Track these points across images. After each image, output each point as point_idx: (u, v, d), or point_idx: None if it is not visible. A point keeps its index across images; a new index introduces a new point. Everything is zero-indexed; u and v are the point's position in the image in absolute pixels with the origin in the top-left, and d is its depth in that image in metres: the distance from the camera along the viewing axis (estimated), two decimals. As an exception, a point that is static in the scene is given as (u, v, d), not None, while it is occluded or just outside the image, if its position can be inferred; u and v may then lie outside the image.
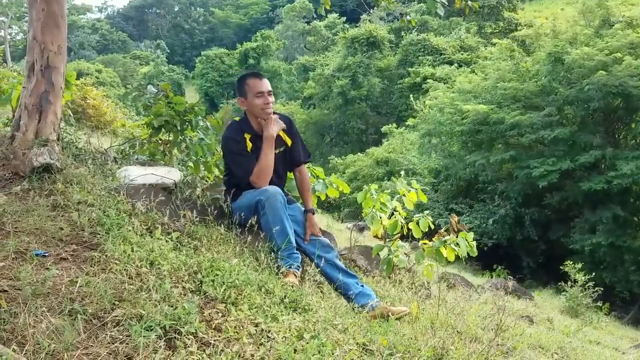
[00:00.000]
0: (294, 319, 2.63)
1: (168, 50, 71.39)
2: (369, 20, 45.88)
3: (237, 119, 4.04)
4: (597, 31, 18.42)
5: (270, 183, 3.79)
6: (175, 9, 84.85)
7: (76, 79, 5.71)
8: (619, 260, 15.54)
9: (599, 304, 9.84)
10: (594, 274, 10.48)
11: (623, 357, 5.94)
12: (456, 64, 31.63)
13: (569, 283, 9.66)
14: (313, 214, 3.93)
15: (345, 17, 57.06)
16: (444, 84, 24.02)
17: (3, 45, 36.84)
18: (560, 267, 10.68)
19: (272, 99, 3.86)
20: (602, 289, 9.76)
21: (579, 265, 10.02)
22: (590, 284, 9.39)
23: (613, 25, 18.19)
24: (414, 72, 33.35)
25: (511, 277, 11.15)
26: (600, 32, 18.18)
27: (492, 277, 12.14)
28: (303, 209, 3.96)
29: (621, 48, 16.37)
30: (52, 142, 4.01)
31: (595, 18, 19.78)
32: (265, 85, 3.86)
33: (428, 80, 26.72)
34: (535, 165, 16.05)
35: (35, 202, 3.31)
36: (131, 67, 57.62)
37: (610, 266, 15.61)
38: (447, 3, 6.15)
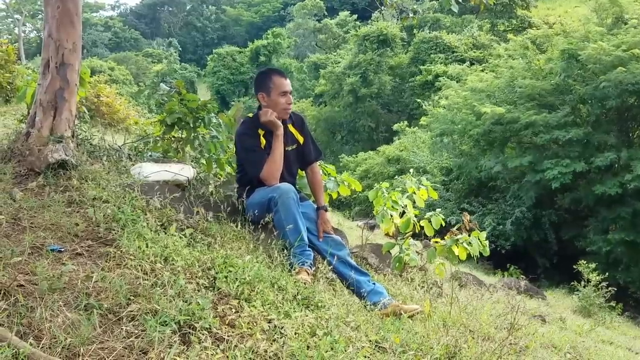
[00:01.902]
0: (307, 316, 2.64)
1: (180, 48, 71.60)
2: (382, 17, 45.74)
3: (250, 115, 4.06)
4: (610, 29, 18.21)
5: (283, 180, 3.80)
6: (187, 7, 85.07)
7: (90, 77, 5.76)
8: (633, 260, 15.38)
9: (612, 304, 9.76)
10: (607, 274, 10.38)
11: (636, 357, 5.90)
12: (468, 62, 31.44)
13: (582, 283, 9.60)
14: (326, 211, 3.94)
15: (356, 15, 56.91)
16: (457, 82, 23.88)
17: (17, 43, 37.14)
18: (574, 266, 10.60)
19: (291, 98, 3.90)
20: (615, 288, 9.68)
21: (593, 265, 9.94)
22: (604, 283, 9.32)
23: (626, 23, 17.97)
24: (426, 70, 33.20)
25: (523, 277, 11.09)
26: (613, 30, 17.97)
27: (504, 277, 12.07)
28: (315, 206, 3.98)
29: (637, 45, 16.14)
30: (67, 138, 4.06)
31: (607, 16, 19.57)
32: (289, 84, 3.90)
33: (440, 78, 26.56)
34: (549, 167, 15.87)
35: (51, 197, 3.35)
36: (144, 65, 57.88)
37: (624, 266, 15.45)
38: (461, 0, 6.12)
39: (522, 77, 18.41)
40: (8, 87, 10.96)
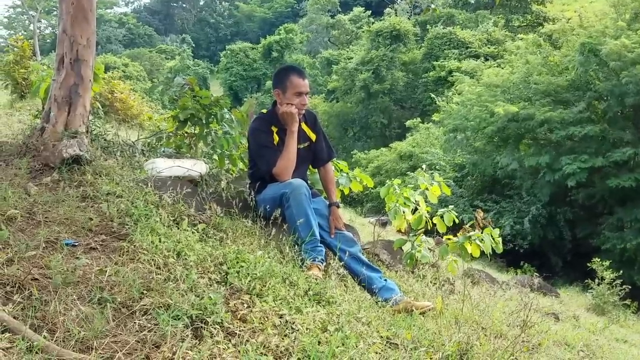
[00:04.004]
0: (318, 312, 2.64)
1: (193, 45, 71.84)
2: (395, 12, 45.51)
3: (264, 111, 4.06)
4: (629, 25, 17.96)
5: (295, 177, 3.80)
6: (201, 3, 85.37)
7: (104, 73, 5.79)
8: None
9: (627, 302, 9.67)
10: (621, 272, 10.28)
11: (651, 356, 5.83)
12: (483, 58, 31.18)
13: (596, 280, 9.51)
14: (337, 207, 3.94)
15: (370, 11, 56.67)
16: (470, 78, 23.70)
17: (32, 39, 37.48)
18: (588, 264, 10.51)
19: (307, 99, 3.88)
20: (629, 287, 9.58)
21: (607, 263, 9.86)
22: (618, 281, 9.23)
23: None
24: (439, 65, 32.97)
25: (537, 274, 11.01)
26: (632, 26, 17.72)
27: (517, 274, 12.00)
28: (327, 202, 3.97)
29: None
30: (82, 134, 4.08)
31: (626, 11, 19.28)
32: (307, 85, 3.86)
33: (454, 74, 26.38)
34: (567, 162, 15.71)
35: (65, 192, 3.38)
36: (157, 61, 58.08)
37: (639, 265, 15.29)
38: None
39: (537, 73, 18.23)
40: (23, 82, 11.05)
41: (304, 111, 3.92)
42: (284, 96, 3.84)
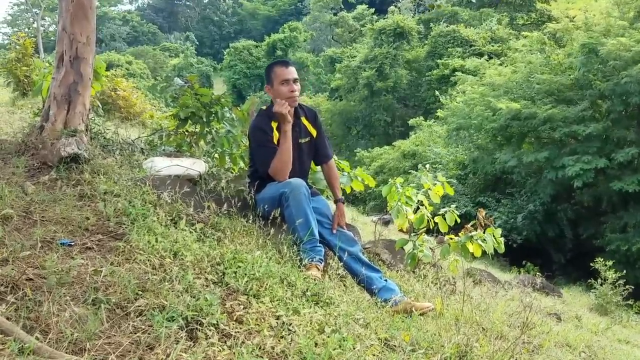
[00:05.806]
0: (316, 313, 2.62)
1: (197, 42, 71.89)
2: (398, 10, 45.40)
3: (264, 107, 4.03)
4: (632, 23, 17.86)
5: (295, 174, 3.77)
6: (205, 1, 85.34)
7: (106, 71, 5.78)
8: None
9: (630, 302, 9.61)
10: (625, 272, 10.22)
11: (654, 357, 5.79)
12: (486, 56, 31.05)
13: (599, 280, 9.46)
14: (343, 203, 3.93)
15: (373, 9, 56.55)
16: (474, 76, 23.60)
17: (36, 37, 37.53)
18: (591, 264, 10.46)
19: (297, 86, 3.84)
20: (632, 287, 9.53)
21: (610, 263, 9.80)
22: (621, 281, 9.18)
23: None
24: (443, 64, 32.86)
25: (539, 274, 10.98)
26: (635, 24, 17.62)
27: (519, 273, 11.96)
28: (327, 201, 3.96)
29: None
30: (81, 132, 4.07)
31: (629, 10, 19.17)
32: (291, 72, 3.83)
33: (456, 73, 26.29)
34: (570, 164, 15.63)
35: (63, 191, 3.37)
36: (161, 59, 58.09)
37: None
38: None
39: (540, 72, 18.16)
40: (25, 80, 11.07)
41: (297, 101, 3.87)
42: (273, 89, 3.83)
